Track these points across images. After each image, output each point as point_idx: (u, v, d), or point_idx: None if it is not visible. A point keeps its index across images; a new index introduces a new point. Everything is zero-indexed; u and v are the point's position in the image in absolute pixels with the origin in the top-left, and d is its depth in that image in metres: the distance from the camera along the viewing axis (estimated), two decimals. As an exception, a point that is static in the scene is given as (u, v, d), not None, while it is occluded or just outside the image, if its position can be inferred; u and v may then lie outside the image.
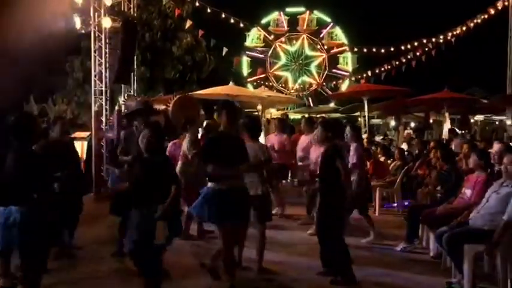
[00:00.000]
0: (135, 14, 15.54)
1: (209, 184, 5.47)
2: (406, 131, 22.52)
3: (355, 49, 35.72)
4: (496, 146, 7.24)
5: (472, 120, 25.95)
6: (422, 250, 7.18)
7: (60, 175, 5.78)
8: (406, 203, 9.81)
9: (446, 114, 17.56)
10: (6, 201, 4.35)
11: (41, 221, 4.43)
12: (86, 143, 14.12)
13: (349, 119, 20.40)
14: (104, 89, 13.86)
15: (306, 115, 19.62)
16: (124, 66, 13.71)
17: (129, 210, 4.93)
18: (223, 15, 25.94)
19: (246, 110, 19.78)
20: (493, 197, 5.57)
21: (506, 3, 21.97)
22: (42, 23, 13.11)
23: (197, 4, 23.04)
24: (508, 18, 21.54)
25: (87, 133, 14.62)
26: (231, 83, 16.20)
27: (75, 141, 11.09)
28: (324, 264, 6.07)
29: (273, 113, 23.92)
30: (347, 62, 37.53)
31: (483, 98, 22.14)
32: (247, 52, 36.65)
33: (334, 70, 37.83)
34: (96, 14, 13.77)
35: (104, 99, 13.88)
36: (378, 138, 19.58)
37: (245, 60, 36.40)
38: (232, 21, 27.33)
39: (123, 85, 15.27)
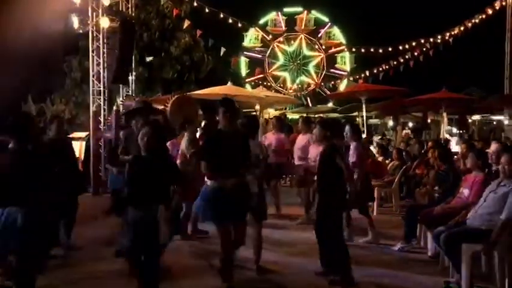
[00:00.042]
0: (133, 14, 15.56)
1: (208, 183, 5.47)
2: (404, 131, 22.54)
3: (353, 49, 35.74)
4: (493, 146, 7.26)
5: (469, 120, 26.01)
6: (420, 250, 7.18)
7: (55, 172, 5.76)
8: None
9: (444, 114, 17.59)
10: (5, 202, 4.34)
11: (42, 221, 4.43)
12: (84, 143, 14.12)
13: (347, 119, 20.40)
14: (102, 89, 13.88)
15: (304, 115, 19.65)
16: (122, 66, 13.72)
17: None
18: (221, 15, 25.94)
19: (244, 110, 19.75)
20: (491, 196, 5.58)
21: (503, 3, 22.01)
22: (40, 23, 13.11)
23: (195, 4, 23.04)
24: (505, 18, 21.58)
25: (85, 133, 14.62)
26: (229, 83, 16.20)
27: (73, 141, 11.08)
28: (323, 265, 6.05)
29: (271, 113, 23.91)
30: (345, 61, 37.55)
31: (481, 98, 22.18)
32: (245, 52, 36.65)
33: (332, 70, 37.85)
34: (94, 13, 13.79)
35: (102, 99, 13.89)
36: (376, 138, 19.58)
37: (243, 60, 36.41)
38: (230, 21, 27.33)
39: (121, 85, 15.28)
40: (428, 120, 22.72)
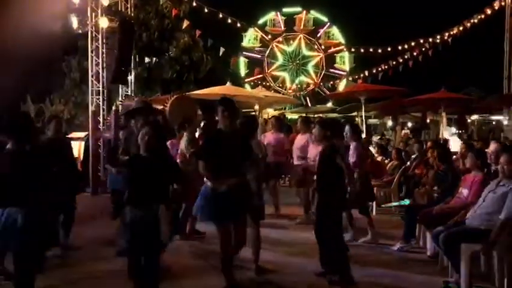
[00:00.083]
0: (132, 14, 15.55)
1: (208, 183, 5.47)
2: (403, 131, 22.56)
3: (352, 49, 35.77)
4: (492, 146, 7.27)
5: (468, 120, 26.04)
6: (420, 250, 7.18)
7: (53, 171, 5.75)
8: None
9: (444, 114, 17.60)
10: (5, 202, 4.34)
11: (42, 221, 4.42)
12: (83, 143, 14.12)
13: (347, 118, 20.41)
14: (101, 89, 13.88)
15: (303, 115, 19.66)
16: (121, 66, 13.72)
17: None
18: (220, 15, 25.95)
19: (243, 110, 19.76)
20: (490, 196, 5.59)
21: (502, 3, 22.01)
22: (40, 23, 13.10)
23: (194, 4, 23.05)
24: (504, 18, 21.59)
25: (85, 133, 14.62)
26: (228, 83, 16.20)
27: (72, 141, 11.08)
28: (323, 265, 6.04)
29: (271, 113, 23.93)
30: (344, 61, 37.61)
31: (480, 98, 22.21)
32: (244, 53, 36.67)
33: (331, 70, 37.89)
34: (93, 14, 13.79)
35: (101, 99, 13.89)
36: (375, 138, 19.60)
37: (242, 60, 36.44)
38: (229, 21, 27.34)
39: (120, 85, 15.28)
40: (428, 120, 22.74)
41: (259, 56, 37.70)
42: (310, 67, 38.26)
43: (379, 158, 11.94)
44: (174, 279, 5.90)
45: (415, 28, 30.72)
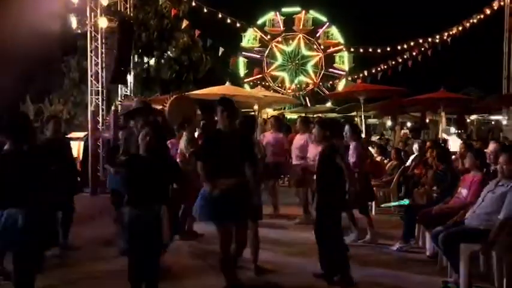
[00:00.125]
0: (132, 14, 15.55)
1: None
2: (402, 131, 22.57)
3: (352, 49, 35.79)
4: (491, 146, 7.27)
5: (468, 120, 26.06)
6: (419, 250, 7.18)
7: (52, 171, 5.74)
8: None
9: (443, 114, 17.60)
10: (4, 203, 4.33)
11: (42, 221, 4.42)
12: (82, 143, 14.12)
13: (346, 118, 20.42)
14: (100, 89, 13.88)
15: (303, 115, 19.67)
16: (120, 66, 13.72)
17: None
18: (219, 15, 25.95)
19: (242, 110, 19.77)
20: (489, 196, 5.59)
21: (502, 4, 22.03)
22: (39, 23, 13.09)
23: (193, 4, 23.05)
24: (503, 18, 21.60)
25: (84, 133, 14.62)
26: (227, 83, 16.20)
27: (71, 141, 11.07)
28: (322, 266, 6.02)
29: (270, 112, 23.95)
30: (343, 61, 37.66)
31: (479, 98, 22.22)
32: (243, 53, 36.68)
33: (330, 69, 37.92)
34: (93, 13, 13.79)
35: (100, 99, 13.90)
36: (375, 138, 19.61)
37: (241, 60, 36.45)
38: (228, 21, 27.34)
39: (119, 85, 15.28)
40: (427, 120, 22.75)
41: (258, 56, 37.73)
42: (309, 67, 38.28)
43: (378, 158, 11.94)
44: (174, 279, 5.90)
45: (415, 28, 30.81)
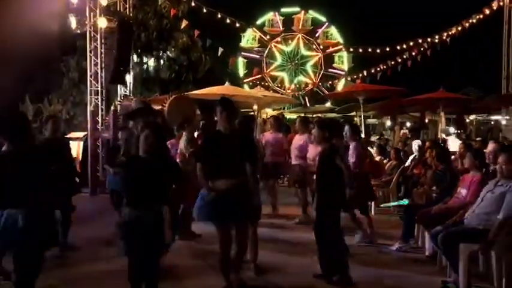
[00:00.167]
0: (131, 14, 15.55)
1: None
2: (401, 131, 22.58)
3: (351, 49, 35.81)
4: (490, 146, 7.27)
5: (467, 120, 26.07)
6: (418, 249, 7.19)
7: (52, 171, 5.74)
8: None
9: (442, 114, 17.61)
10: (3, 204, 4.33)
11: (42, 221, 4.42)
12: (81, 143, 14.12)
13: (345, 118, 20.43)
14: (99, 89, 13.89)
15: (302, 115, 19.67)
16: (120, 66, 13.72)
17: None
18: (219, 16, 25.95)
19: (242, 110, 19.77)
20: (488, 196, 5.60)
21: (501, 4, 22.06)
22: (38, 23, 13.09)
23: (193, 4, 23.04)
24: (502, 18, 21.63)
25: (83, 133, 14.62)
26: (227, 83, 16.20)
27: (70, 141, 11.06)
28: (322, 267, 6.01)
29: (269, 112, 23.95)
30: (342, 60, 37.67)
31: (479, 98, 22.24)
32: (242, 53, 36.67)
33: (329, 69, 37.93)
34: (92, 14, 13.79)
35: (99, 99, 13.90)
36: (374, 138, 19.61)
37: (241, 61, 36.44)
38: (228, 21, 27.35)
39: (119, 85, 15.28)
40: (426, 120, 22.76)
41: (257, 56, 37.74)
42: (308, 67, 38.30)
43: (377, 158, 11.95)
44: (174, 279, 5.91)
45: (414, 28, 30.82)
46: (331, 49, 37.86)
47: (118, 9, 14.73)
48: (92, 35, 13.81)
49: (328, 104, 30.51)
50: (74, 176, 8.07)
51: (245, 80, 36.15)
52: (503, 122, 21.80)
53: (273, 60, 38.11)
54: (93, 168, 13.06)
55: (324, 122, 7.50)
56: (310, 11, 37.77)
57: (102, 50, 13.87)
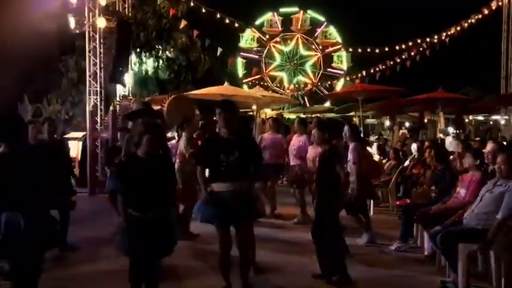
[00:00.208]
0: (130, 14, 15.55)
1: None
2: (400, 131, 22.58)
3: (350, 49, 35.82)
4: (489, 146, 7.28)
5: (466, 120, 26.07)
6: (417, 249, 7.20)
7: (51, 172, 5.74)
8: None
9: (441, 114, 17.61)
10: (3, 204, 4.33)
11: (42, 222, 4.42)
12: (80, 143, 14.12)
13: (344, 118, 20.43)
14: (98, 89, 13.88)
15: (301, 115, 19.68)
16: (119, 66, 13.72)
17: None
18: (218, 16, 25.95)
19: (241, 110, 19.77)
20: (487, 196, 5.61)
21: (500, 4, 22.09)
22: (37, 23, 13.09)
23: (192, 4, 23.03)
24: (501, 18, 21.65)
25: (82, 133, 14.62)
26: (226, 83, 16.19)
27: (69, 141, 11.07)
28: (321, 265, 6.01)
29: (268, 113, 23.94)
30: (342, 60, 37.69)
31: (477, 98, 22.25)
32: (241, 53, 36.67)
33: (329, 69, 37.95)
34: (91, 14, 13.79)
35: (98, 99, 13.90)
36: (373, 138, 19.61)
37: (240, 61, 36.42)
38: (227, 21, 27.35)
39: (117, 85, 15.27)
40: (425, 120, 22.75)
41: (256, 57, 37.74)
42: (307, 67, 38.31)
43: (376, 158, 11.95)
44: (174, 279, 5.91)
45: (413, 28, 30.81)
46: (330, 49, 37.87)
47: (117, 9, 14.73)
48: (91, 35, 13.81)
49: (327, 104, 30.51)
50: (72, 177, 8.06)
51: (244, 80, 36.15)
52: (502, 122, 21.83)
53: (272, 60, 38.11)
54: (92, 168, 13.06)
55: (324, 123, 7.48)
56: (309, 11, 37.78)
57: (101, 50, 13.86)
